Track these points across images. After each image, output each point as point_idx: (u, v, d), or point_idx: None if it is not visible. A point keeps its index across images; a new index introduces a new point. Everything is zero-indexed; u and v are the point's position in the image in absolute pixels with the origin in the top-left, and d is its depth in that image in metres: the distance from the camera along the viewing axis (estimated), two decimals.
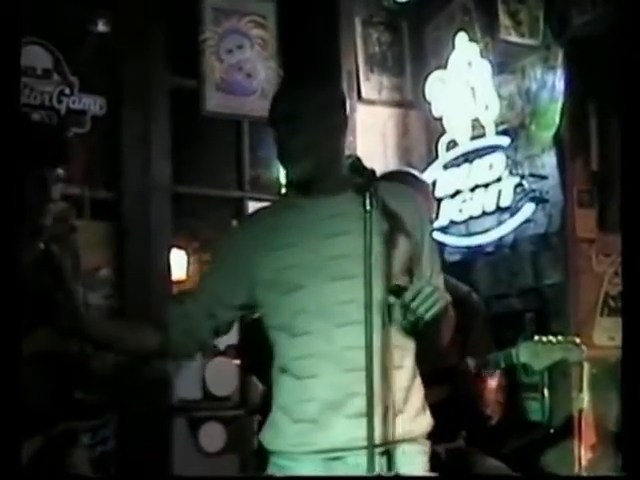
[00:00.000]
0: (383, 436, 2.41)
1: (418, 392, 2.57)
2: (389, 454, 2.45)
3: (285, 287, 2.52)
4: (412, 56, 5.32)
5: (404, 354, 2.53)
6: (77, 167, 3.19)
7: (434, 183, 4.84)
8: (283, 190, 4.01)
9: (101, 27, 4.72)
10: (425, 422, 2.57)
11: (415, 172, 3.94)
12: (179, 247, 4.96)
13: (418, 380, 2.59)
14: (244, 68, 5.02)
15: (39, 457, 2.94)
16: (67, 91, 4.56)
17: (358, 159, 2.54)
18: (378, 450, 2.39)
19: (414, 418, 2.52)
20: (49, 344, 3.02)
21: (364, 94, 5.14)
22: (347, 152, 2.68)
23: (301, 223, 2.56)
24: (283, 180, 2.77)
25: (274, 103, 2.61)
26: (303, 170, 2.52)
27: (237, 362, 4.95)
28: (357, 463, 2.40)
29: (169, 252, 4.76)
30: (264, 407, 3.87)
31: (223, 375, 4.93)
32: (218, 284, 2.63)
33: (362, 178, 2.40)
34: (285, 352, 2.54)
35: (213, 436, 4.92)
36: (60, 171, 3.07)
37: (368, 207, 2.35)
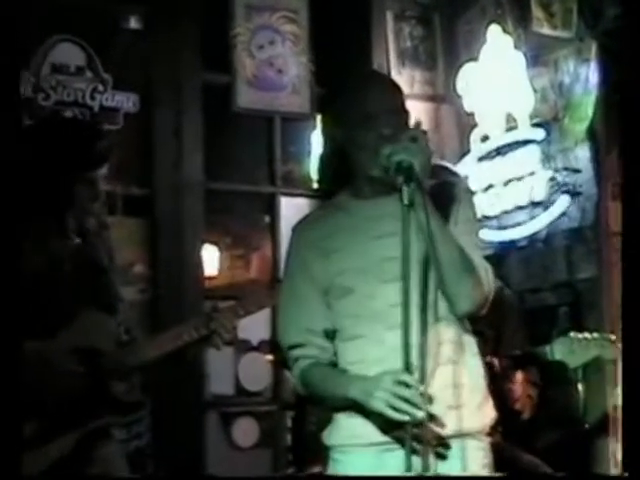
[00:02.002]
0: (434, 432, 2.40)
1: (477, 388, 2.56)
2: (442, 448, 2.44)
3: (337, 292, 2.52)
4: (444, 50, 5.30)
5: (458, 350, 2.52)
6: (110, 164, 3.19)
7: (466, 177, 4.83)
8: (315, 185, 4.00)
9: (133, 24, 4.73)
10: (485, 418, 2.55)
11: (450, 166, 3.92)
12: (211, 242, 4.98)
13: (477, 376, 2.57)
14: (275, 64, 5.02)
15: (75, 452, 2.96)
16: (100, 88, 4.58)
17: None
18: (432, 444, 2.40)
19: (472, 414, 2.51)
20: (84, 340, 3.04)
21: None
22: None
23: (349, 226, 2.55)
24: (316, 176, 2.74)
25: (375, 97, 2.56)
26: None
27: (270, 357, 4.96)
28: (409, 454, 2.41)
29: (201, 247, 4.78)
30: (297, 402, 3.90)
31: (256, 370, 4.95)
32: (310, 316, 2.57)
33: (400, 174, 2.38)
34: (339, 357, 2.55)
35: (246, 431, 4.93)
36: (105, 170, 3.10)
37: (405, 201, 2.34)
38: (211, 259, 4.99)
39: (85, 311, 3.07)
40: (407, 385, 2.32)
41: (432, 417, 2.39)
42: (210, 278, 4.95)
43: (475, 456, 2.51)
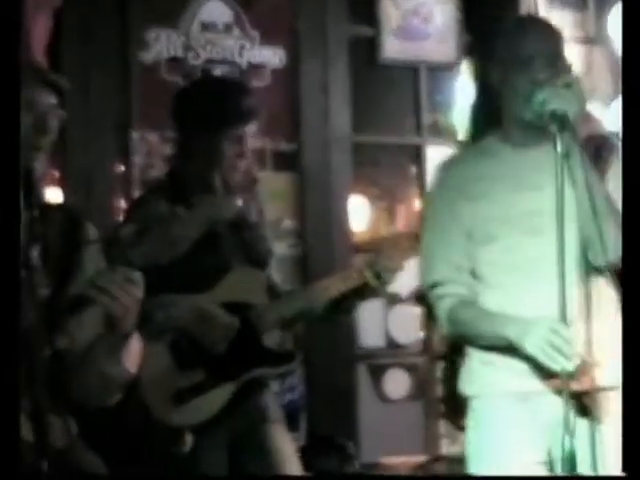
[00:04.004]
0: (574, 385, 2.39)
1: (611, 346, 2.53)
2: (581, 398, 2.44)
3: (480, 238, 2.51)
4: None
5: (594, 306, 2.49)
6: (259, 120, 3.23)
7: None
8: (461, 135, 3.92)
9: None
10: (616, 375, 2.53)
11: (591, 108, 3.76)
12: (359, 196, 4.98)
13: (611, 334, 2.54)
14: (420, 12, 4.96)
15: (232, 403, 3.03)
16: (247, 45, 4.61)
17: None
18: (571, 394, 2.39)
19: (609, 370, 2.48)
20: (237, 294, 3.10)
21: None
22: None
23: (498, 173, 2.53)
24: (466, 125, 2.69)
25: (532, 40, 2.51)
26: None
27: (419, 309, 4.95)
28: (548, 404, 2.39)
29: (349, 201, 4.79)
30: (447, 353, 3.89)
31: (406, 322, 4.95)
32: (457, 254, 2.56)
33: (554, 122, 2.34)
34: (479, 302, 2.54)
35: (397, 383, 4.95)
36: (254, 127, 3.13)
37: (559, 150, 2.31)
38: (359, 212, 4.99)
39: (237, 266, 3.13)
40: (561, 335, 2.30)
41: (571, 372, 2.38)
42: (358, 232, 4.95)
43: (611, 408, 2.49)
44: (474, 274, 2.55)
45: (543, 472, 2.47)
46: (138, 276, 2.04)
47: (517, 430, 2.48)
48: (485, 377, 2.53)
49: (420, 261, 2.65)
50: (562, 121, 2.34)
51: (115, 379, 2.16)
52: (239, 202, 3.10)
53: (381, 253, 3.14)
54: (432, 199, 2.64)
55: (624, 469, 2.22)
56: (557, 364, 2.32)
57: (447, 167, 2.66)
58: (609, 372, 2.48)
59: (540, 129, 2.46)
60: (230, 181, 3.10)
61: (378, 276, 3.09)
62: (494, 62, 2.54)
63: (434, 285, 2.56)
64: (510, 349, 2.43)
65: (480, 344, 2.53)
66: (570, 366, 2.31)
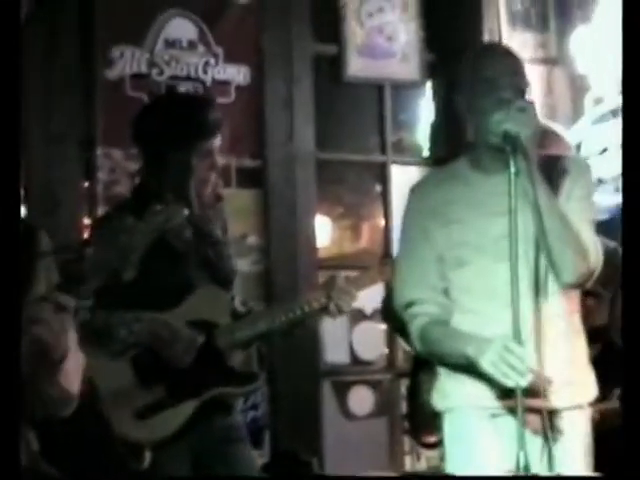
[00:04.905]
0: (545, 404, 2.43)
1: (584, 364, 2.58)
2: (553, 419, 2.49)
3: (452, 263, 2.55)
4: (556, 12, 5.19)
5: (568, 327, 2.53)
6: (223, 137, 3.24)
7: (580, 143, 4.74)
8: (426, 153, 3.97)
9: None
10: (590, 392, 2.57)
11: (556, 129, 3.83)
12: (323, 213, 5.00)
13: (582, 350, 2.59)
14: (385, 31, 4.99)
15: (194, 420, 3.02)
16: (212, 62, 4.62)
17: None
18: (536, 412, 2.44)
19: (577, 388, 2.53)
20: (199, 313, 3.10)
21: None
22: None
23: (469, 198, 2.57)
24: (427, 144, 2.71)
25: (494, 60, 2.56)
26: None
27: (384, 326, 4.97)
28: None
29: (314, 218, 4.80)
30: (412, 370, 3.90)
31: (370, 339, 4.96)
32: (430, 274, 2.59)
33: (507, 143, 2.39)
34: (452, 324, 2.57)
35: (361, 400, 4.96)
36: (219, 141, 3.15)
37: (512, 169, 2.35)
38: (323, 229, 5.01)
39: (202, 285, 3.12)
40: (514, 353, 2.34)
41: (545, 391, 2.44)
42: (322, 249, 4.96)
43: (581, 428, 2.55)
44: (447, 294, 2.58)
45: None
46: (68, 300, 2.04)
47: (492, 440, 2.51)
48: (456, 391, 2.57)
49: (396, 281, 2.68)
50: (514, 142, 2.39)
51: (56, 399, 2.15)
52: (186, 211, 3.10)
53: (348, 279, 3.17)
54: (405, 223, 2.67)
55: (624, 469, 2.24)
56: (510, 381, 2.35)
57: (419, 191, 2.69)
58: (564, 392, 2.52)
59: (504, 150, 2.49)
60: (202, 195, 3.11)
61: (336, 302, 3.10)
62: (460, 84, 2.58)
63: (408, 305, 2.59)
64: (472, 367, 2.46)
65: (448, 362, 2.56)
66: (523, 383, 2.34)
